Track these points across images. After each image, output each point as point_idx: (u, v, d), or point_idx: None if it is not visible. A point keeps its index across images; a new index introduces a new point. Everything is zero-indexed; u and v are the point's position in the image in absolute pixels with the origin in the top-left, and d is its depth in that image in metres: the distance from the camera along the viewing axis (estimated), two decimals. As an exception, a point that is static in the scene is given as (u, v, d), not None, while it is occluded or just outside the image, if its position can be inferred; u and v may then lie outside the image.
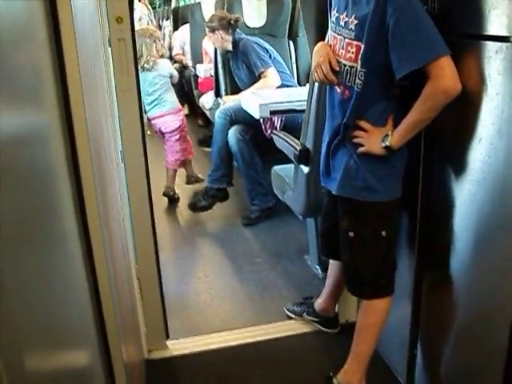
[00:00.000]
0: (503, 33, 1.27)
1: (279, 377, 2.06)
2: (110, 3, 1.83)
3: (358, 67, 1.57)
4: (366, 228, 1.72)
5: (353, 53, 1.58)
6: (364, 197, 1.68)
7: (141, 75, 3.37)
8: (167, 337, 2.25)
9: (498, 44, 1.28)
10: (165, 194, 3.86)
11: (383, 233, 1.71)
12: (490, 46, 1.31)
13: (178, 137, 3.79)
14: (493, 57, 1.31)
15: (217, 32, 3.79)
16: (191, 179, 4.06)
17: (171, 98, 3.74)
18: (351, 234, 1.73)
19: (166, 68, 3.75)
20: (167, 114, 3.71)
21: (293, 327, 2.33)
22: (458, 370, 1.64)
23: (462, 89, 1.41)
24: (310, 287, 2.62)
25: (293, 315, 2.38)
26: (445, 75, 1.42)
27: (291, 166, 2.55)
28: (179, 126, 3.77)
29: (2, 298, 0.61)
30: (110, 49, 1.88)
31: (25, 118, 0.83)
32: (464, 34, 1.41)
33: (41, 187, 0.89)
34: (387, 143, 1.58)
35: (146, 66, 3.53)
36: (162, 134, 3.80)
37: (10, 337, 0.62)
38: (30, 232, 0.79)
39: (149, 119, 3.73)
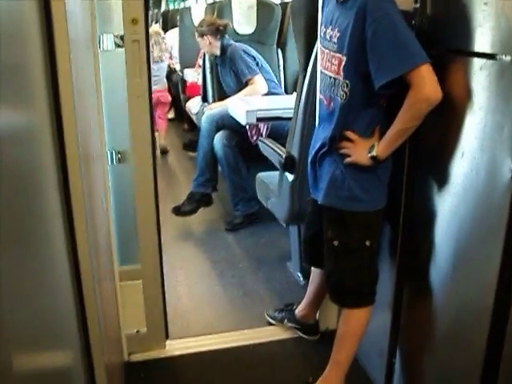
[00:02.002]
0: (488, 50, 1.30)
1: (258, 382, 2.07)
2: (125, 4, 1.83)
3: (341, 79, 1.60)
4: (350, 238, 1.74)
5: (336, 65, 1.61)
6: (349, 207, 1.70)
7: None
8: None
9: (483, 60, 1.31)
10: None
11: (367, 242, 1.72)
12: (476, 62, 1.34)
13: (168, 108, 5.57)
14: (477, 72, 1.34)
15: (205, 37, 3.81)
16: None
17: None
18: (335, 243, 1.74)
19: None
20: (165, 89, 5.39)
21: (273, 333, 2.34)
22: (436, 380, 1.66)
23: (446, 102, 1.43)
24: (291, 294, 2.63)
25: (273, 321, 2.39)
26: (425, 84, 1.44)
27: (276, 173, 2.57)
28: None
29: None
30: (121, 50, 1.89)
31: (14, 117, 0.83)
32: (451, 49, 1.44)
33: (27, 187, 0.89)
34: (373, 153, 1.60)
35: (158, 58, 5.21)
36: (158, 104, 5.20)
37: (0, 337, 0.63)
38: (16, 233, 0.79)
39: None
